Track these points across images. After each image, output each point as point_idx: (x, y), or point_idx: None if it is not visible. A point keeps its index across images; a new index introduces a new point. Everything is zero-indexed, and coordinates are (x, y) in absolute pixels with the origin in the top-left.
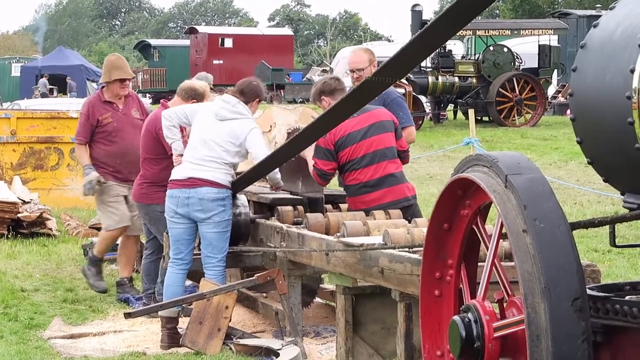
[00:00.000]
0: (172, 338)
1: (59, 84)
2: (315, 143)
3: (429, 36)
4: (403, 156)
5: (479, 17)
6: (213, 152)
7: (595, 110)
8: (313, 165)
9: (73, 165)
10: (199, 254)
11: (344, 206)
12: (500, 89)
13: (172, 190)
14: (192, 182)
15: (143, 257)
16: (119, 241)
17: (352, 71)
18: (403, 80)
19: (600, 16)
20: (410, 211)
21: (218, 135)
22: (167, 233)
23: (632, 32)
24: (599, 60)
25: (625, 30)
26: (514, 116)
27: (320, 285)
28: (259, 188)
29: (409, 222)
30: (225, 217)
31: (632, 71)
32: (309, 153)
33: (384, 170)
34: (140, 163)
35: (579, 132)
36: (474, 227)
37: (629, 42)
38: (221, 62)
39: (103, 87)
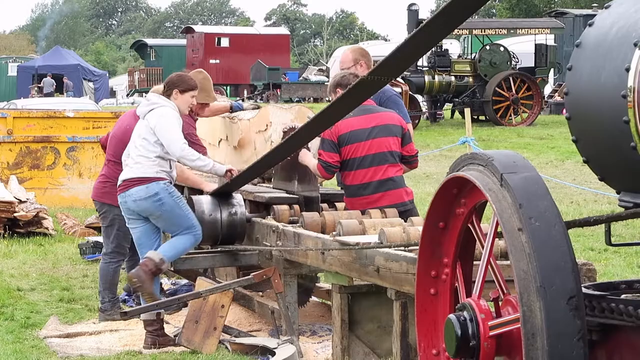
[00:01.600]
0: (154, 340)
1: (55, 83)
2: (320, 136)
3: (425, 35)
4: (411, 160)
5: (476, 16)
6: (139, 149)
7: (591, 109)
8: (318, 158)
9: (69, 165)
10: (193, 252)
11: (340, 205)
12: (497, 88)
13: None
14: (124, 186)
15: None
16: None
17: (341, 69)
18: (399, 79)
19: (596, 15)
20: (406, 215)
21: (140, 131)
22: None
23: (627, 30)
24: (594, 59)
25: (620, 29)
26: (510, 115)
27: (316, 284)
28: (255, 187)
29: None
30: (167, 207)
31: (628, 70)
32: (308, 159)
33: (384, 174)
34: (106, 163)
35: (575, 131)
36: (469, 225)
37: (624, 41)
38: (218, 61)
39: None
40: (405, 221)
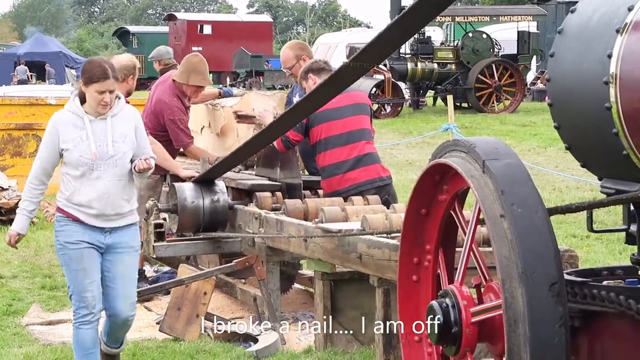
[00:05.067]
0: None
1: (37, 71)
2: None
3: (407, 21)
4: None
5: (458, 3)
6: None
7: (573, 96)
8: None
9: None
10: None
11: (322, 192)
12: (479, 75)
13: None
14: None
15: None
16: None
17: (285, 68)
18: (382, 66)
19: (578, 2)
20: (386, 190)
21: None
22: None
23: (609, 17)
24: (576, 45)
25: (602, 16)
26: (493, 102)
27: (299, 271)
28: (238, 174)
29: (386, 201)
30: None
31: (610, 56)
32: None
33: (360, 150)
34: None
35: (557, 117)
36: (451, 212)
37: (606, 28)
38: (200, 48)
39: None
40: (386, 196)
